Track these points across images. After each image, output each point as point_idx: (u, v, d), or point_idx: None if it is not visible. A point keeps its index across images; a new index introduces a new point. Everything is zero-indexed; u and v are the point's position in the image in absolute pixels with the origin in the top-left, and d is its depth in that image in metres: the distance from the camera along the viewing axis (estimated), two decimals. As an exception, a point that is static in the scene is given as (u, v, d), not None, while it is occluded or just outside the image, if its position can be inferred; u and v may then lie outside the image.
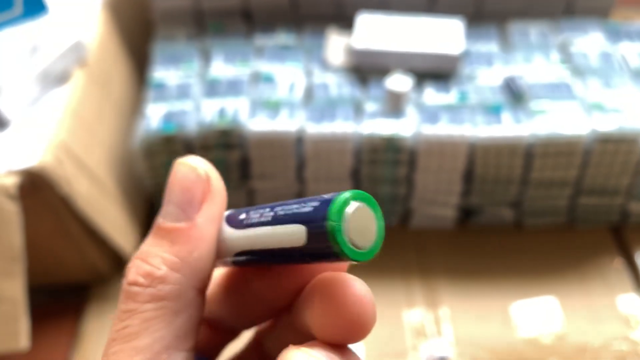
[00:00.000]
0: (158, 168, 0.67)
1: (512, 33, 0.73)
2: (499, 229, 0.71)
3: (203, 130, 0.64)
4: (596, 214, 0.70)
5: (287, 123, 0.64)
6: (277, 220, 0.16)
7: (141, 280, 0.17)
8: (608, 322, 0.63)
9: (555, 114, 0.63)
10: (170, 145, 0.65)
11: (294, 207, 0.16)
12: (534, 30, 0.73)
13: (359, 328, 0.16)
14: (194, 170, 0.18)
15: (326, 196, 0.15)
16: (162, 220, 0.18)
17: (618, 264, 0.68)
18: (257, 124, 0.64)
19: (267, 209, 0.17)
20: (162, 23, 0.77)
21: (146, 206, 0.73)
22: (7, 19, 0.62)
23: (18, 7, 0.62)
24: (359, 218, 0.15)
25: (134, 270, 0.17)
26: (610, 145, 0.62)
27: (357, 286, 0.16)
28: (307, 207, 0.15)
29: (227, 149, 0.65)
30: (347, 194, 0.15)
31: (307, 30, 0.74)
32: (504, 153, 0.63)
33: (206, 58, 0.72)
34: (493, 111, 0.64)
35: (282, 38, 0.73)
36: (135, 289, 0.17)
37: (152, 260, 0.17)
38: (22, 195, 0.54)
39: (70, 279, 0.68)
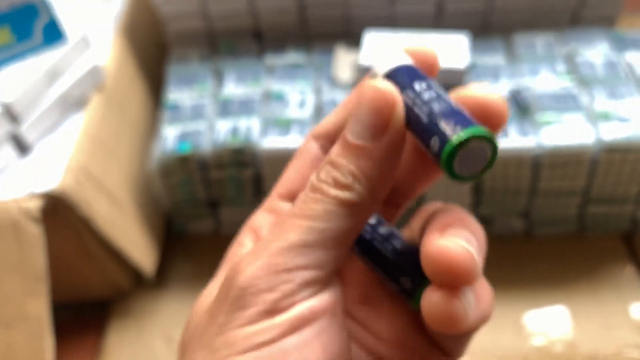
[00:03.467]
0: (174, 187, 0.69)
1: (518, 45, 0.74)
2: (510, 238, 0.72)
3: (217, 149, 0.66)
4: (606, 221, 0.70)
5: (298, 140, 0.66)
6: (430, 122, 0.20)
7: (330, 181, 0.20)
8: (620, 329, 0.64)
9: (561, 124, 0.64)
10: (186, 165, 0.67)
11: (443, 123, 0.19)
12: (539, 42, 0.74)
13: None
14: (383, 95, 0.20)
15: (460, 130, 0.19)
16: (350, 137, 0.20)
17: (629, 271, 0.68)
18: (269, 141, 0.66)
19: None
20: (176, 45, 0.79)
21: (163, 224, 0.75)
22: (28, 48, 0.65)
23: (37, 37, 0.65)
24: (467, 154, 0.19)
25: (325, 172, 0.20)
26: (617, 155, 0.63)
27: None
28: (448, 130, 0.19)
29: (241, 167, 0.67)
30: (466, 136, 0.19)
31: (316, 48, 0.76)
32: (511, 164, 0.64)
33: (219, 78, 0.74)
34: (499, 123, 0.65)
35: (292, 56, 0.75)
36: (324, 185, 0.20)
37: (341, 169, 0.20)
38: (45, 216, 0.57)
39: (93, 295, 0.70)
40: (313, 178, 0.21)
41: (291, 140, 0.66)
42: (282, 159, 0.66)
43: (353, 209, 0.20)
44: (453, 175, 0.19)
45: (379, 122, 0.20)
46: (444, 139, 0.19)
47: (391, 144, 0.20)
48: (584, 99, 0.67)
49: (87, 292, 0.70)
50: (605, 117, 0.65)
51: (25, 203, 0.56)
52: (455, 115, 0.19)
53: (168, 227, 0.76)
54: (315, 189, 0.21)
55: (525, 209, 0.69)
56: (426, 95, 0.20)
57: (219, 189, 0.70)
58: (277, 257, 0.20)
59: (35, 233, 0.55)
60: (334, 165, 0.20)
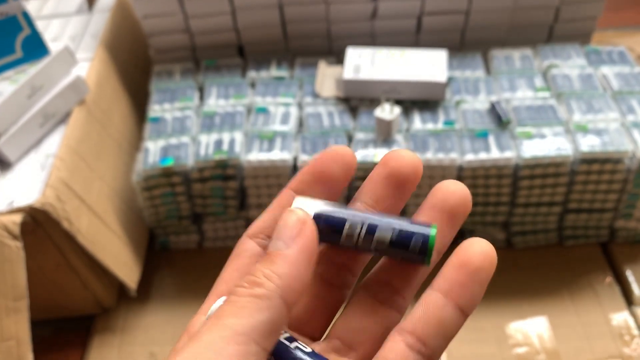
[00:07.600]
0: (157, 201, 0.69)
1: (497, 60, 0.75)
2: (492, 249, 0.73)
3: (200, 162, 0.66)
4: (586, 230, 0.71)
5: (282, 153, 0.66)
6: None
7: (245, 284, 0.22)
8: (601, 338, 0.65)
9: (540, 136, 0.65)
10: (169, 178, 0.67)
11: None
12: (518, 57, 0.75)
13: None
14: (294, 212, 0.24)
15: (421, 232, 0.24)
16: (269, 249, 0.23)
17: (609, 280, 0.69)
18: (253, 154, 0.66)
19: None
20: (158, 60, 0.80)
21: (147, 238, 0.74)
22: (9, 62, 0.65)
23: (19, 51, 0.65)
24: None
25: (244, 279, 0.23)
26: (595, 166, 0.64)
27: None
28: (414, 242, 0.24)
29: (224, 180, 0.67)
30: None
31: (299, 63, 0.77)
32: (492, 175, 0.65)
33: (202, 92, 0.74)
34: (480, 135, 0.66)
35: (275, 71, 0.76)
36: (239, 289, 0.22)
37: (256, 273, 0.22)
38: (26, 232, 0.56)
39: (75, 311, 0.69)
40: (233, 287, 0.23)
41: (275, 153, 0.66)
42: (266, 171, 0.66)
43: (265, 303, 0.22)
44: (428, 259, 0.24)
45: (290, 233, 0.23)
46: (425, 234, 0.24)
47: (302, 250, 0.23)
48: (562, 111, 0.68)
49: (70, 308, 0.69)
50: (583, 129, 0.66)
51: (4, 219, 0.55)
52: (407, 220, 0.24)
53: (151, 241, 0.75)
54: (232, 293, 0.22)
55: (506, 220, 0.70)
56: (370, 217, 0.24)
57: (203, 202, 0.70)
58: None
59: (15, 249, 0.55)
60: (251, 272, 0.23)
